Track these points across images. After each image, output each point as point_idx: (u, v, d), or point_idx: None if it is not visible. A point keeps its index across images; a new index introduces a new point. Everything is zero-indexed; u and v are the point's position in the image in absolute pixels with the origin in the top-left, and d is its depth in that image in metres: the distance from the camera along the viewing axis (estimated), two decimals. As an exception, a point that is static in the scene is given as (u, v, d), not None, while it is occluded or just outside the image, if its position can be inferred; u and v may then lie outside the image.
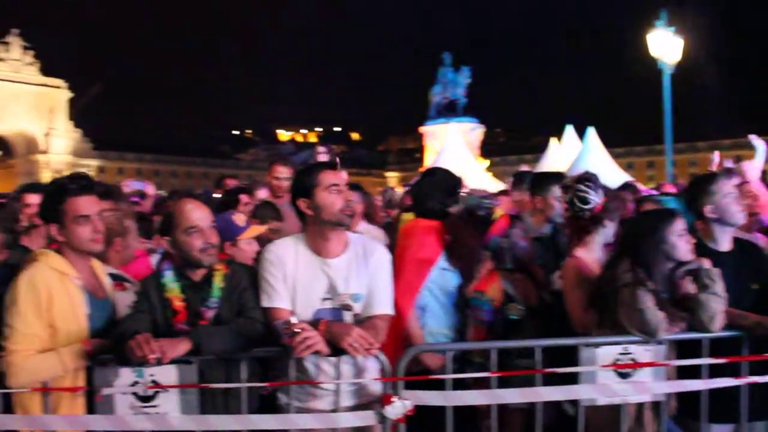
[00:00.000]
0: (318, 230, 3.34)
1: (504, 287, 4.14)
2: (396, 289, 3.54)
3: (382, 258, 3.46)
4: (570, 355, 3.40)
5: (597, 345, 3.43)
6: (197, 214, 3.32)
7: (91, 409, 3.15)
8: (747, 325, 3.55)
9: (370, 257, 3.40)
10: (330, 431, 3.25)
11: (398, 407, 3.11)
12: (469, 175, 16.03)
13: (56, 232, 3.27)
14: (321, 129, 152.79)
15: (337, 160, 3.70)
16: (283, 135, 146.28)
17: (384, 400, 3.13)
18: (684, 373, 3.53)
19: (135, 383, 3.09)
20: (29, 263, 3.22)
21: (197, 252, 3.27)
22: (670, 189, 9.50)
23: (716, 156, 8.78)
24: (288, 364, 3.21)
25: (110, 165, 72.14)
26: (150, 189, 9.04)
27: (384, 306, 3.36)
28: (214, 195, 7.77)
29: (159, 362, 2.94)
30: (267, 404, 3.38)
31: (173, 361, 3.02)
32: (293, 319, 3.05)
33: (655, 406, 3.56)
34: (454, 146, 28.65)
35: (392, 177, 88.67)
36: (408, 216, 4.58)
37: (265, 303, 3.31)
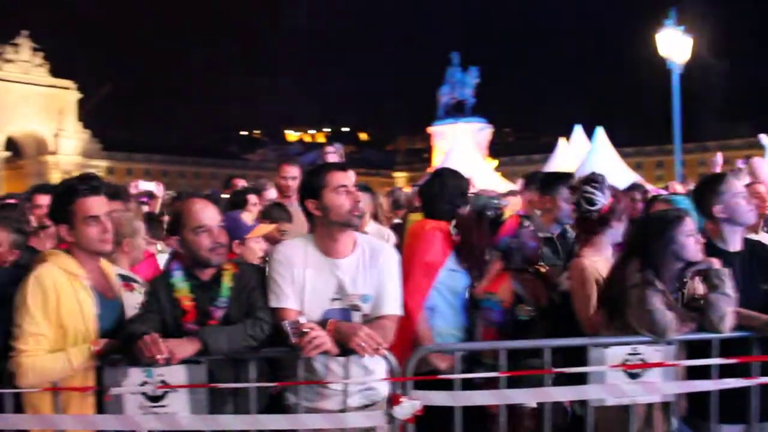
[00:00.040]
0: (326, 231, 3.34)
1: (514, 288, 4.13)
2: (405, 290, 3.54)
3: (391, 258, 3.46)
4: (579, 356, 3.40)
5: (606, 345, 3.42)
6: (206, 213, 3.33)
7: (100, 408, 3.16)
8: (757, 326, 3.54)
9: (379, 258, 3.40)
10: (338, 431, 3.25)
11: (407, 407, 3.11)
12: (477, 176, 16.03)
13: (66, 232, 3.28)
14: (329, 129, 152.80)
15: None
16: (291, 135, 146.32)
17: (392, 400, 3.13)
18: (694, 373, 3.52)
19: (144, 383, 3.11)
20: (38, 264, 3.23)
21: (206, 251, 3.28)
22: (680, 189, 9.47)
23: (719, 158, 8.76)
24: (297, 364, 3.21)
25: (119, 166, 72.34)
26: (158, 189, 9.07)
27: (392, 306, 3.36)
28: (222, 195, 7.79)
29: (168, 362, 2.96)
30: (275, 404, 3.38)
31: (182, 361, 3.04)
32: (302, 319, 3.05)
33: (665, 406, 3.55)
34: (462, 146, 28.62)
35: (400, 177, 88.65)
36: (416, 216, 4.57)
37: (274, 303, 3.31)
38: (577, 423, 3.58)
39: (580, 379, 3.40)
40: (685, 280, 3.62)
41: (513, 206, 6.32)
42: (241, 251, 3.96)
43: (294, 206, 4.95)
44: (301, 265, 3.33)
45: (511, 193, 8.58)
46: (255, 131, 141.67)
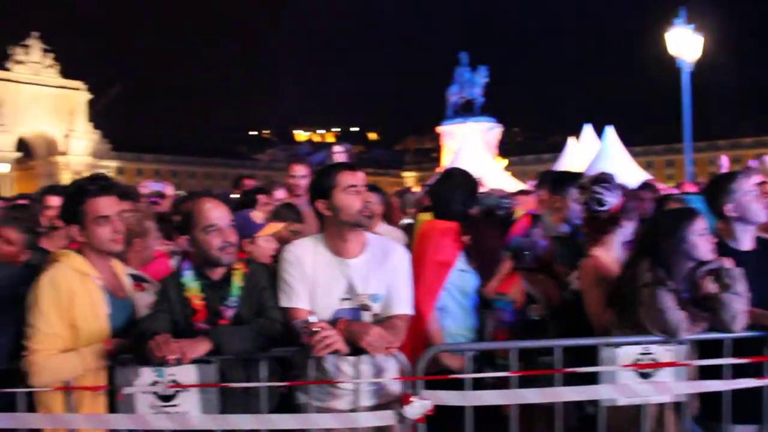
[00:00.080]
0: (336, 231, 3.35)
1: (525, 288, 4.12)
2: (416, 291, 3.54)
3: (401, 258, 3.46)
4: (591, 355, 3.39)
5: (617, 345, 3.41)
6: (216, 212, 3.34)
7: (112, 408, 3.17)
8: (770, 325, 3.52)
9: (389, 257, 3.40)
10: (349, 431, 3.25)
11: (417, 407, 3.11)
12: (487, 175, 16.02)
13: (77, 233, 3.29)
14: (338, 129, 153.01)
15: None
16: (301, 135, 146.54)
17: (403, 399, 3.13)
18: (706, 373, 3.50)
19: (155, 383, 3.11)
20: (50, 264, 3.24)
21: (216, 251, 3.29)
22: (691, 188, 9.44)
23: (725, 160, 8.73)
24: (307, 364, 3.21)
25: (129, 166, 72.63)
26: (169, 189, 9.11)
27: (403, 306, 3.36)
28: (232, 195, 7.81)
29: (179, 362, 2.96)
30: (286, 404, 3.38)
31: (193, 361, 3.04)
32: (312, 319, 3.05)
33: (677, 406, 3.53)
34: (471, 146, 28.64)
35: (409, 177, 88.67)
36: (425, 216, 4.56)
37: (284, 303, 3.32)
38: (588, 422, 3.56)
39: (592, 379, 3.39)
40: (696, 279, 3.60)
41: (524, 206, 6.31)
42: (251, 250, 3.97)
43: (304, 206, 4.96)
44: (312, 265, 3.33)
45: (522, 192, 8.57)
46: (264, 131, 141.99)
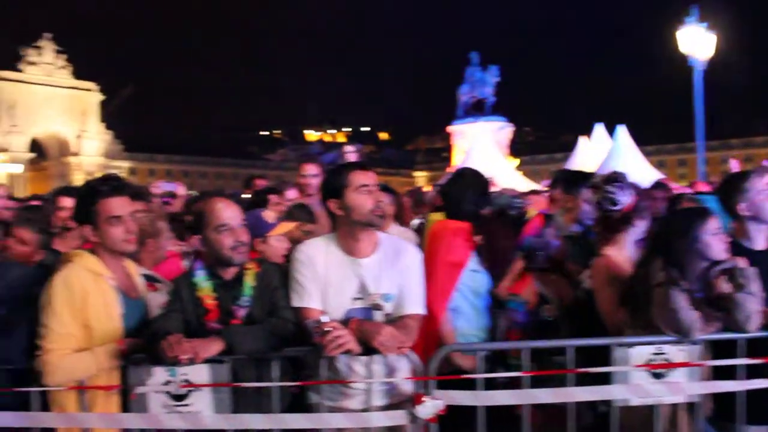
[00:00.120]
0: (348, 230, 3.35)
1: (538, 288, 4.11)
2: (428, 292, 3.54)
3: (413, 258, 3.45)
4: (603, 355, 3.37)
5: (630, 345, 3.39)
6: (228, 212, 3.34)
7: (125, 407, 3.18)
8: (784, 325, 3.49)
9: (401, 257, 3.40)
10: (361, 431, 3.25)
11: (429, 407, 3.10)
12: (498, 175, 15.98)
13: (90, 233, 3.31)
14: (349, 129, 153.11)
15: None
16: (311, 135, 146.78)
17: (415, 399, 3.13)
18: (720, 374, 3.48)
19: (168, 382, 3.12)
20: (64, 264, 3.26)
21: (228, 250, 3.29)
22: (704, 187, 9.39)
23: (735, 164, 8.69)
24: (319, 364, 3.22)
25: (141, 166, 72.89)
26: (180, 189, 9.13)
27: (415, 306, 3.36)
28: (243, 195, 7.82)
29: (191, 362, 2.97)
30: (298, 403, 3.39)
31: (206, 361, 3.04)
32: (324, 319, 3.05)
33: (690, 407, 3.51)
34: (482, 145, 28.61)
35: (420, 176, 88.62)
36: (436, 216, 4.55)
37: (296, 303, 3.32)
38: (601, 422, 3.55)
39: (604, 379, 3.38)
40: (710, 279, 3.58)
41: (536, 205, 6.30)
42: (263, 249, 3.97)
43: (316, 205, 4.97)
44: (323, 265, 3.33)
45: (533, 192, 8.55)
46: (275, 131, 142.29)
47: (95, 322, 3.16)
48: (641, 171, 18.54)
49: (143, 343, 3.14)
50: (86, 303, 3.14)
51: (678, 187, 9.58)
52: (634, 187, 4.26)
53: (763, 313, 3.45)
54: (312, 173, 6.32)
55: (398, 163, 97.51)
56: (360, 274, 3.31)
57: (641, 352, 3.39)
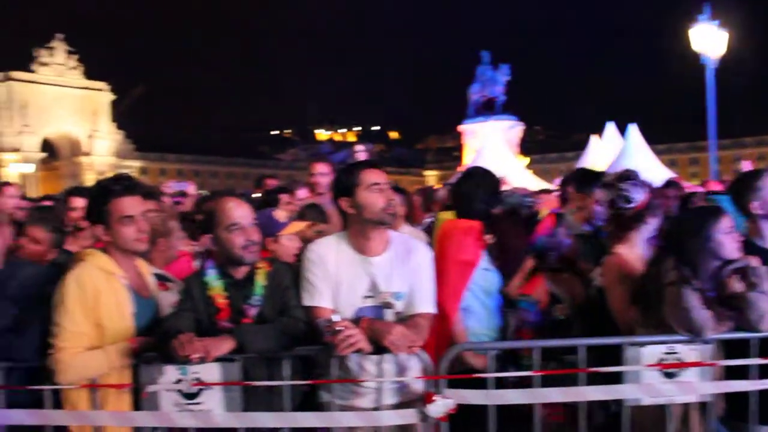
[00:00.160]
0: (360, 229, 3.35)
1: (549, 288, 4.10)
2: (441, 291, 3.53)
3: (424, 256, 3.45)
4: (615, 354, 3.36)
5: (642, 344, 3.38)
6: (239, 211, 3.35)
7: (137, 405, 3.20)
8: (797, 325, 3.47)
9: (412, 255, 3.40)
10: (372, 429, 3.25)
11: (440, 406, 3.10)
12: (509, 174, 15.95)
13: (102, 232, 3.32)
14: (359, 128, 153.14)
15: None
16: (322, 134, 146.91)
17: (426, 398, 3.13)
18: (732, 373, 3.46)
19: (179, 381, 3.13)
20: (76, 263, 3.28)
21: (239, 249, 3.30)
22: (716, 186, 9.34)
23: (746, 164, 8.65)
24: (330, 363, 3.22)
25: (152, 166, 73.10)
26: (191, 188, 9.16)
27: (426, 304, 3.35)
28: (254, 195, 7.84)
29: (203, 360, 2.98)
30: (309, 402, 3.39)
31: (217, 359, 3.05)
32: (335, 317, 3.05)
33: (702, 407, 3.49)
34: (493, 144, 28.56)
35: (431, 176, 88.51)
36: (446, 215, 4.54)
37: (307, 302, 3.32)
38: (613, 422, 3.54)
39: (616, 378, 3.37)
40: (722, 278, 3.56)
41: (546, 204, 6.29)
42: (275, 248, 3.98)
43: (327, 204, 4.98)
44: (334, 263, 3.33)
45: (544, 191, 8.53)
46: (286, 131, 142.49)
47: (107, 321, 3.17)
48: (653, 170, 18.47)
49: (155, 342, 3.16)
50: (98, 302, 3.16)
51: (690, 186, 9.55)
52: (646, 185, 4.24)
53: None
54: (322, 172, 6.34)
55: (408, 162, 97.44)
56: (371, 272, 3.31)
57: (653, 351, 3.37)
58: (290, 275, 3.42)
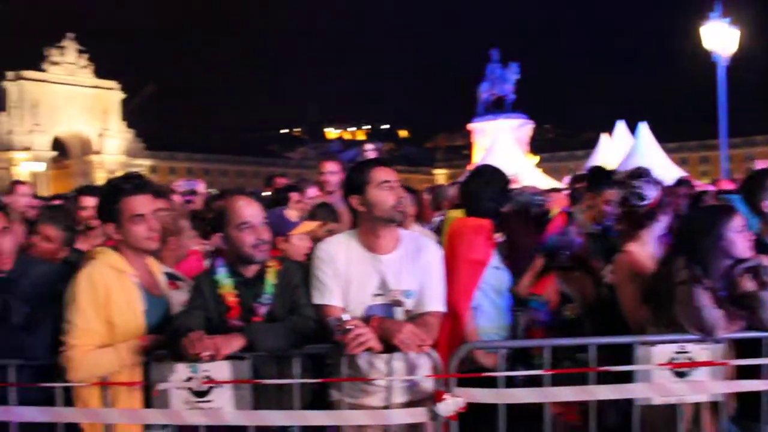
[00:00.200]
0: (370, 226, 3.35)
1: (560, 287, 4.09)
2: (452, 290, 3.53)
3: (434, 255, 3.45)
4: (626, 354, 3.35)
5: (653, 343, 3.37)
6: (249, 210, 3.35)
7: (147, 403, 3.21)
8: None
9: (422, 254, 3.39)
10: (382, 428, 3.25)
11: (450, 404, 3.10)
12: (519, 172, 15.92)
13: (113, 231, 3.33)
14: (369, 127, 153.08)
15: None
16: (331, 133, 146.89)
17: (436, 397, 3.12)
18: (744, 373, 3.44)
19: (190, 378, 3.14)
20: (88, 261, 3.29)
21: (249, 248, 3.31)
22: (727, 185, 9.29)
23: (759, 163, 8.59)
24: (340, 361, 3.22)
25: (162, 164, 73.22)
26: (200, 186, 9.17)
27: (436, 303, 3.35)
28: (264, 193, 7.85)
29: (213, 358, 2.99)
30: (319, 400, 3.39)
31: (227, 357, 3.06)
32: (345, 316, 3.05)
33: (714, 406, 3.48)
34: (502, 143, 28.50)
35: (440, 174, 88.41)
36: (455, 213, 4.53)
37: (317, 300, 3.33)
38: (623, 421, 3.53)
39: (627, 377, 3.35)
40: (733, 277, 3.54)
41: (557, 203, 6.28)
42: (285, 248, 3.98)
43: (338, 202, 4.98)
44: (344, 261, 3.33)
45: (554, 190, 8.50)
46: (295, 129, 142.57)
47: (118, 319, 3.18)
48: (663, 168, 18.41)
49: (165, 340, 3.17)
50: (109, 299, 3.17)
51: (701, 185, 9.50)
52: (659, 182, 4.23)
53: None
54: (332, 171, 6.34)
55: (418, 161, 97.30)
56: (381, 270, 3.31)
57: (664, 350, 3.36)
58: (300, 274, 3.43)
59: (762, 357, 3.40)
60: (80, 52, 68.68)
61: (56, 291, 3.26)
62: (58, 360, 3.13)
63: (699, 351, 3.37)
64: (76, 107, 67.05)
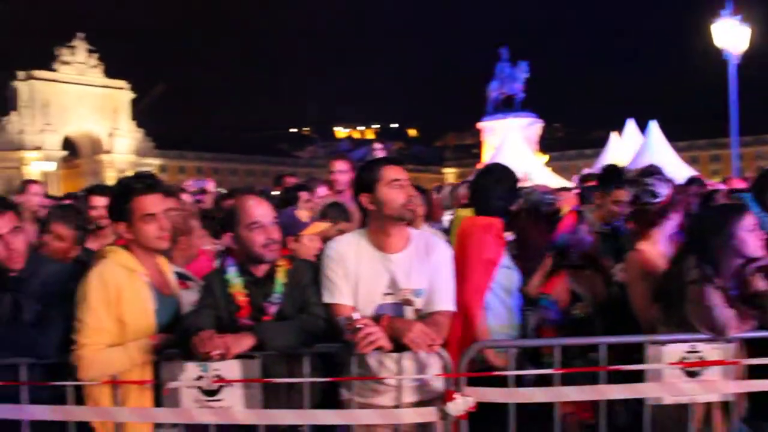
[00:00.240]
0: (380, 225, 3.34)
1: (570, 286, 4.08)
2: (464, 290, 3.52)
3: (444, 254, 3.44)
4: (636, 352, 3.34)
5: (664, 343, 3.35)
6: (259, 209, 3.36)
7: (158, 402, 3.22)
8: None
9: (432, 253, 3.39)
10: (392, 427, 3.25)
11: (460, 404, 3.09)
12: (529, 171, 15.89)
13: (124, 230, 3.34)
14: (378, 126, 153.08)
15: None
16: (340, 132, 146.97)
17: (446, 396, 3.12)
18: (755, 373, 3.43)
19: (200, 377, 3.15)
20: (99, 260, 3.30)
21: (259, 247, 3.31)
22: (739, 183, 9.24)
23: None
24: (350, 360, 3.22)
25: (171, 163, 73.35)
26: (210, 185, 9.20)
27: (446, 302, 3.34)
28: (273, 192, 7.86)
29: (223, 357, 2.99)
30: (329, 399, 3.40)
31: (237, 356, 3.07)
32: (355, 315, 3.05)
33: (725, 406, 3.46)
34: (512, 142, 28.47)
35: (450, 173, 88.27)
36: (464, 212, 4.52)
37: (327, 299, 3.33)
38: (634, 421, 3.52)
39: (637, 377, 3.34)
40: (745, 276, 3.52)
41: (567, 202, 6.26)
42: (296, 247, 3.98)
43: (347, 201, 4.97)
44: (354, 260, 3.33)
45: (564, 189, 8.48)
46: (304, 128, 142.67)
47: (129, 318, 3.19)
48: (674, 167, 18.33)
49: (176, 339, 3.18)
50: (120, 298, 3.18)
51: (712, 184, 9.45)
52: (670, 180, 4.22)
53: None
54: (341, 170, 6.34)
55: (427, 160, 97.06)
56: (391, 269, 3.31)
57: (675, 350, 3.35)
58: (310, 273, 3.43)
59: (774, 356, 3.38)
60: (90, 51, 68.88)
61: (67, 290, 3.27)
62: (69, 359, 3.14)
63: (710, 350, 3.36)
64: (86, 107, 67.24)
